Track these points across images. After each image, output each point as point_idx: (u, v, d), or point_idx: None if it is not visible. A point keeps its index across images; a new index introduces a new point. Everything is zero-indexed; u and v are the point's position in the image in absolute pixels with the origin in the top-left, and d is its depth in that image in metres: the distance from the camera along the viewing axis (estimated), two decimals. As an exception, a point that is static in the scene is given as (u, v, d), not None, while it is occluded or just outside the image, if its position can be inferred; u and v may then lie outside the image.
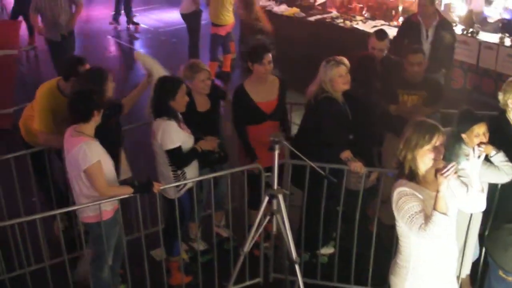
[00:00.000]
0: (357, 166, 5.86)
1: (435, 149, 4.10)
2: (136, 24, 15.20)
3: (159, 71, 6.41)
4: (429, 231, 3.96)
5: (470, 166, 4.32)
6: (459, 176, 4.27)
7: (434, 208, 3.93)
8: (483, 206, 4.49)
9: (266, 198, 5.43)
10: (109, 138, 5.53)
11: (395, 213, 4.19)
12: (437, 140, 4.10)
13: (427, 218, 3.98)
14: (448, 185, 3.92)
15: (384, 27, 8.95)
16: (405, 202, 4.09)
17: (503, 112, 5.68)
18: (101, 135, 5.40)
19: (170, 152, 5.73)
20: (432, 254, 4.23)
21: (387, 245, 5.66)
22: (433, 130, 4.13)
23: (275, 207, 5.44)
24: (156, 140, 5.77)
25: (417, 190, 4.10)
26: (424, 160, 4.12)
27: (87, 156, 5.15)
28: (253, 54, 6.37)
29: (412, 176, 4.17)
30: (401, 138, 4.24)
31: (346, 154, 5.91)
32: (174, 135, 5.71)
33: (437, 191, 3.93)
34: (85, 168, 5.17)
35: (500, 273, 4.95)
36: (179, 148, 5.74)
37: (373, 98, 6.65)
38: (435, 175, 3.99)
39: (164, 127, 5.70)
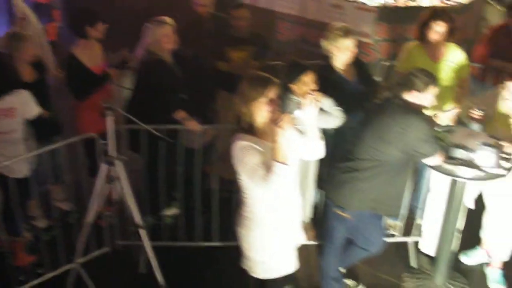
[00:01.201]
0: (193, 125, 5.90)
1: (270, 101, 4.13)
2: None
3: (34, 20, 7.05)
4: (270, 181, 4.04)
5: (304, 115, 4.44)
6: (295, 126, 4.38)
7: (274, 158, 4.02)
8: (321, 152, 4.65)
9: (104, 166, 5.36)
10: None
11: (237, 167, 4.24)
12: (271, 92, 4.15)
13: (268, 168, 4.06)
14: (285, 135, 4.00)
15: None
16: (245, 155, 4.13)
17: (328, 59, 5.88)
18: None
19: (36, 120, 5.67)
20: (275, 203, 4.32)
21: (230, 200, 5.75)
22: (266, 83, 4.17)
23: (114, 174, 5.39)
24: (14, 116, 5.55)
25: (256, 143, 4.16)
26: (260, 112, 4.16)
27: None
28: (87, 16, 6.23)
29: (250, 130, 4.21)
30: (236, 93, 4.28)
31: (180, 114, 5.93)
32: (34, 101, 5.65)
33: (275, 142, 4.02)
34: None
35: (337, 210, 5.18)
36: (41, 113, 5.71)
37: (202, 56, 6.69)
38: (272, 126, 4.07)
39: (22, 98, 5.58)
